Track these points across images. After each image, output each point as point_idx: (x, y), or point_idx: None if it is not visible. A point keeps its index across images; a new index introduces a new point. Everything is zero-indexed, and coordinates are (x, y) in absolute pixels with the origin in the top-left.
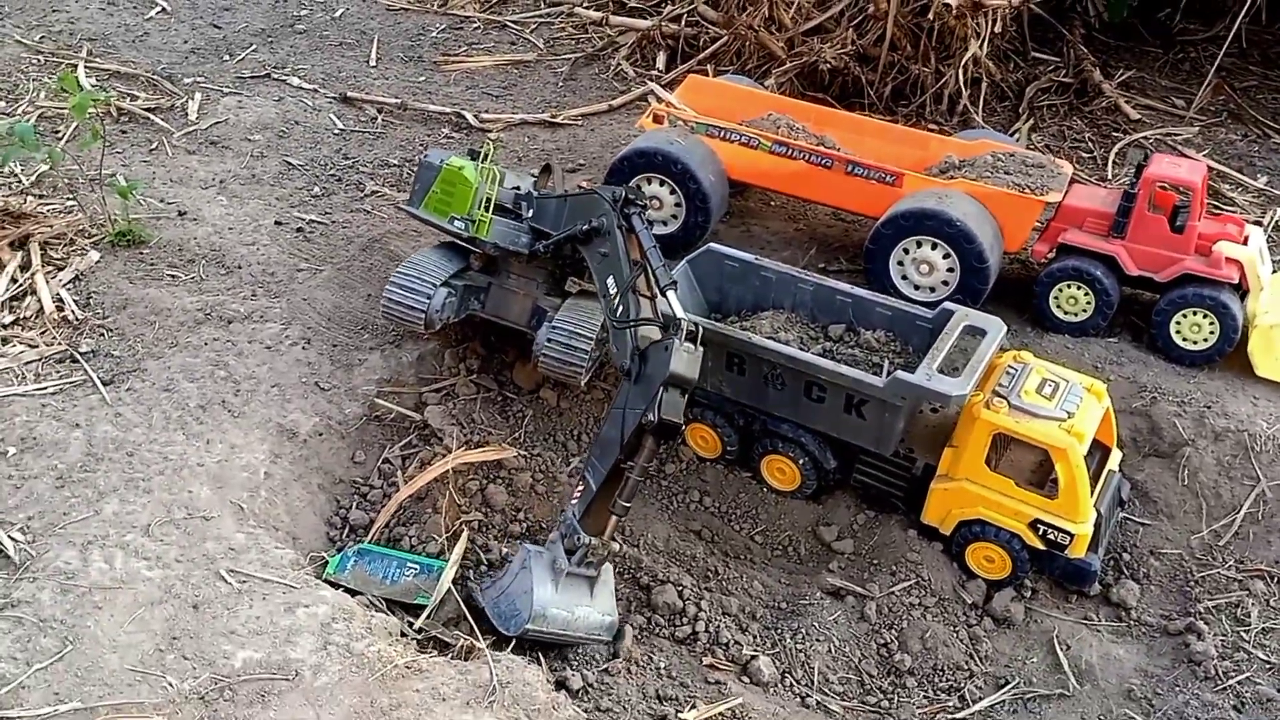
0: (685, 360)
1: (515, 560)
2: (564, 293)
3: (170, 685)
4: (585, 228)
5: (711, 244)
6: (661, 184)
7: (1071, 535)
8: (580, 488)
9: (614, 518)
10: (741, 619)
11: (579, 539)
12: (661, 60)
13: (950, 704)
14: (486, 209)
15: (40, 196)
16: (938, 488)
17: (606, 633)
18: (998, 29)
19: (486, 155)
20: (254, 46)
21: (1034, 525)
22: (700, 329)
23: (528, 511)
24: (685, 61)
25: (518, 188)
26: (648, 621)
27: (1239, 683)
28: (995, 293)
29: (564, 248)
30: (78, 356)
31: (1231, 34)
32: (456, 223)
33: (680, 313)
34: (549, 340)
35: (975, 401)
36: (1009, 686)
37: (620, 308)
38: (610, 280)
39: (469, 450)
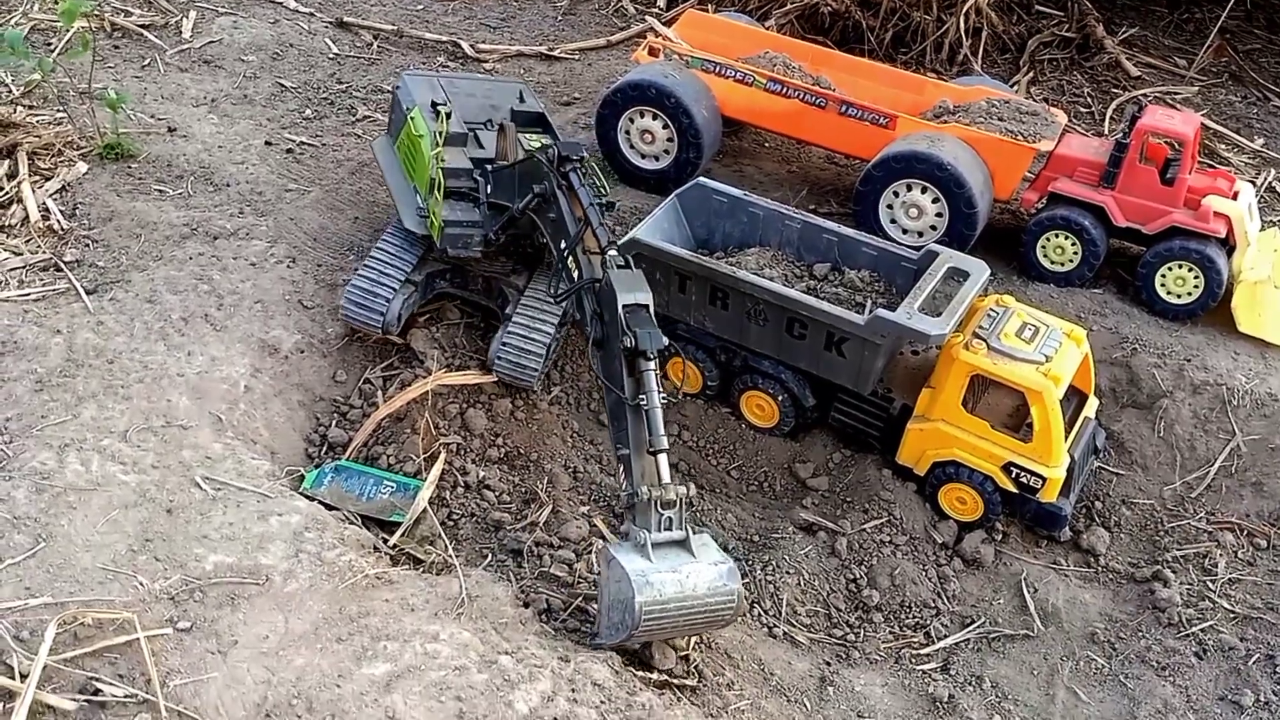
0: (627, 280)
1: (601, 574)
2: (529, 271)
3: (141, 585)
4: (534, 198)
5: (700, 178)
6: (655, 118)
7: (1044, 479)
8: (621, 467)
9: (661, 457)
10: None
11: (641, 497)
12: None
13: (915, 640)
14: (438, 192)
15: (30, 107)
16: (914, 428)
17: (731, 580)
18: None
19: (443, 129)
20: None
21: (1007, 468)
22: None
23: (506, 437)
24: (686, 0)
25: (477, 160)
26: None
27: (1202, 630)
28: (983, 240)
29: (520, 224)
30: (62, 265)
31: None
32: (413, 210)
33: (607, 248)
34: (503, 345)
35: (954, 343)
36: (974, 625)
37: (576, 270)
38: (562, 243)
39: (449, 373)
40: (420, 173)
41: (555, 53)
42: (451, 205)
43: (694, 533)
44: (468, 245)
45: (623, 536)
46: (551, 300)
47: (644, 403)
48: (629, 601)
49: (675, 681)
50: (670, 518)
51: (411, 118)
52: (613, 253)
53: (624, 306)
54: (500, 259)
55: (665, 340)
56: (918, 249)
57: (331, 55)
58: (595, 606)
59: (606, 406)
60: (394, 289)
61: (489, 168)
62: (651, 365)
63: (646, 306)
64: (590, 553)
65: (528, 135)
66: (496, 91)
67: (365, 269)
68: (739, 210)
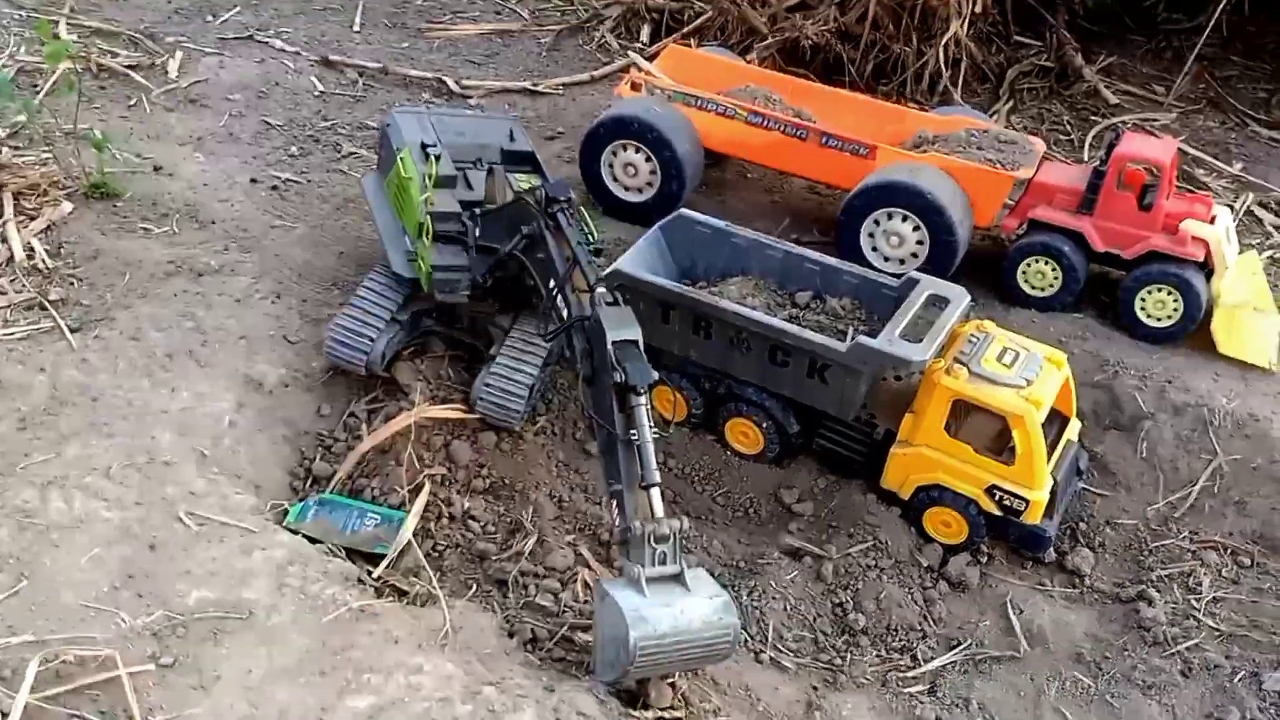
0: (615, 316)
1: (595, 610)
2: (515, 311)
3: (123, 621)
4: (522, 240)
5: (683, 209)
6: (637, 151)
7: (1027, 501)
8: (612, 503)
9: (653, 491)
10: None
11: (634, 531)
12: (646, 33)
13: (902, 663)
14: (426, 237)
15: (16, 148)
16: (897, 453)
17: (726, 614)
18: (979, 9)
19: (432, 172)
20: (237, 8)
21: (990, 491)
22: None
23: (491, 468)
24: (669, 35)
25: (467, 202)
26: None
27: (1187, 649)
28: (965, 267)
29: (508, 267)
30: (46, 304)
31: (1212, 23)
32: (401, 253)
33: (595, 285)
34: (486, 385)
35: (936, 368)
36: (961, 647)
37: (565, 309)
38: (551, 282)
39: (433, 405)
40: (409, 215)
41: (539, 88)
42: (440, 249)
43: (688, 566)
44: (455, 290)
45: (616, 572)
46: (537, 340)
47: (635, 438)
48: (624, 638)
49: (664, 713)
50: (664, 552)
51: (401, 159)
52: (601, 290)
53: (613, 343)
54: (487, 299)
55: (655, 375)
56: (899, 277)
57: (317, 93)
58: (590, 641)
59: (597, 442)
60: (379, 328)
61: (477, 211)
62: (642, 400)
63: (635, 342)
64: (575, 582)
65: (518, 176)
66: (486, 129)
67: (350, 308)
68: (721, 241)
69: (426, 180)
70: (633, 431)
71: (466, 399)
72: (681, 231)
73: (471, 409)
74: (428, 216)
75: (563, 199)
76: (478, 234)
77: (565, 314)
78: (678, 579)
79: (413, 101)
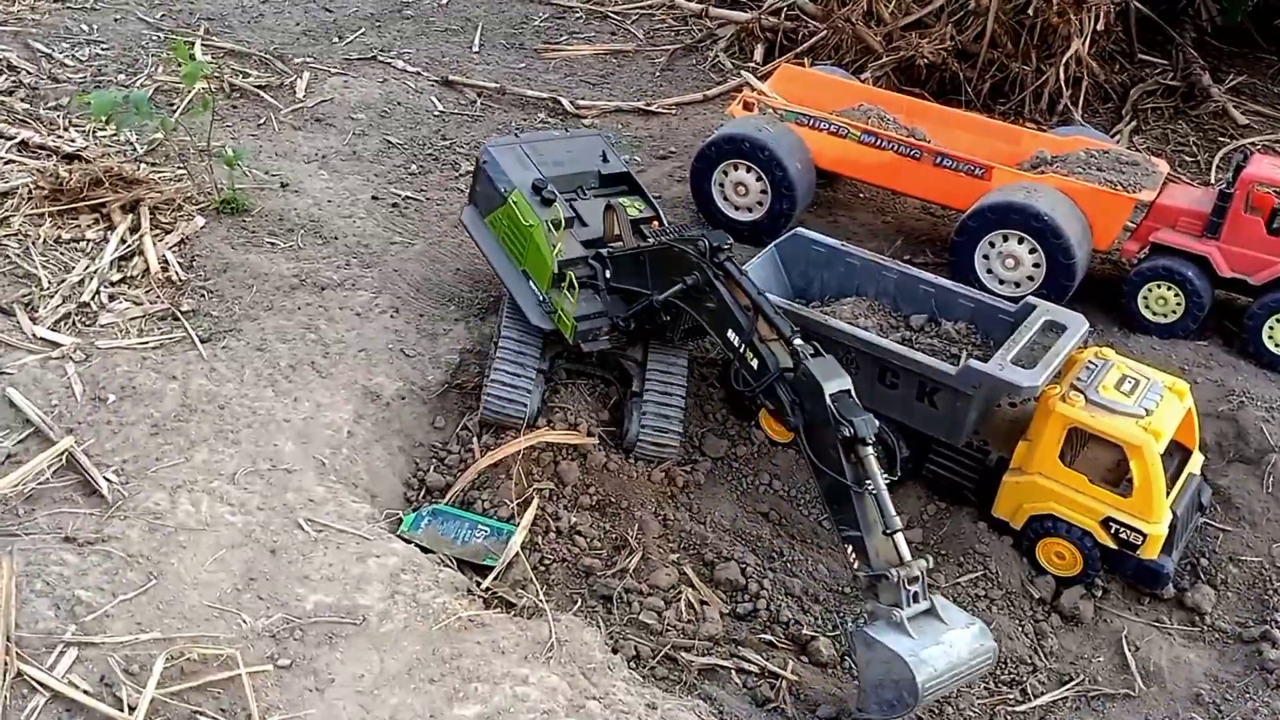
0: (824, 368)
1: (857, 658)
2: (645, 342)
3: (244, 622)
4: (683, 287)
5: (799, 228)
6: (748, 170)
7: (1144, 535)
8: (849, 548)
9: (898, 536)
10: (804, 600)
11: (887, 579)
12: (759, 53)
13: (1011, 697)
14: (570, 290)
15: (153, 164)
16: (1010, 481)
17: (985, 639)
18: (1101, 27)
19: (558, 218)
20: (362, 30)
21: (1106, 523)
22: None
23: (598, 486)
24: (783, 55)
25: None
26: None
27: None
28: (1083, 291)
29: (655, 308)
30: (179, 315)
31: None
32: (535, 305)
33: (792, 335)
34: (642, 428)
35: (1051, 394)
36: (1072, 683)
37: (755, 360)
38: (731, 334)
39: (550, 430)
40: (535, 263)
41: (652, 108)
42: (579, 313)
43: (934, 605)
44: (598, 338)
45: (869, 616)
46: (677, 372)
47: (871, 488)
48: (907, 682)
49: None
50: (916, 592)
51: (514, 202)
52: (799, 341)
53: (831, 396)
54: (618, 339)
55: (878, 424)
56: (1015, 300)
57: (437, 113)
58: (855, 685)
59: (821, 489)
60: (531, 381)
61: (605, 252)
62: (869, 450)
63: (849, 391)
64: (679, 601)
65: (621, 200)
66: (580, 153)
67: (500, 366)
68: (836, 260)
69: (551, 226)
70: (869, 482)
71: (574, 426)
72: (797, 250)
73: (629, 452)
74: (562, 266)
75: (727, 246)
76: (608, 275)
77: (757, 365)
78: (931, 612)
79: (529, 121)
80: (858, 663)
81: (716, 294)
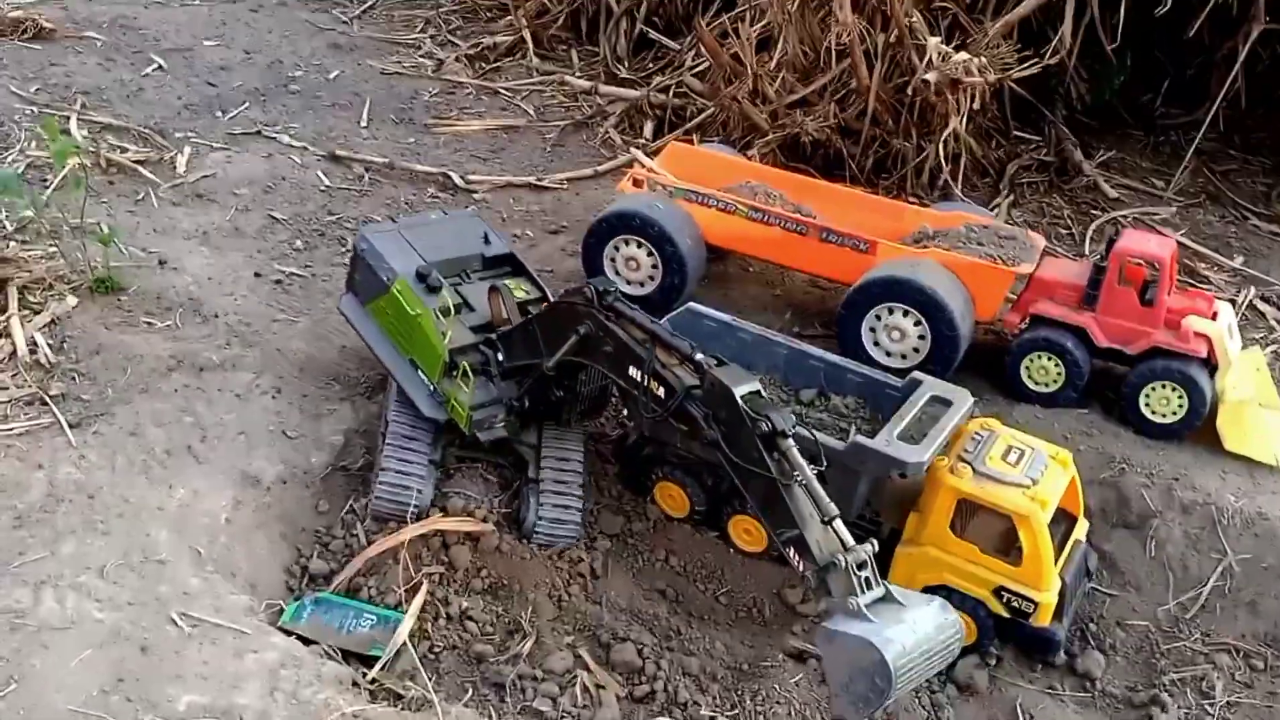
0: (732, 374)
1: (823, 656)
2: (538, 426)
3: None
4: (576, 340)
5: (691, 303)
6: (639, 246)
7: (1035, 603)
8: (790, 551)
9: (836, 523)
10: (702, 679)
11: (835, 566)
12: (649, 129)
13: None
14: (464, 379)
15: (23, 242)
16: (903, 552)
17: (947, 611)
18: (977, 106)
19: (446, 305)
20: (247, 104)
21: (998, 592)
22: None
23: (491, 569)
24: (672, 131)
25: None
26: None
27: None
28: (968, 361)
29: (548, 383)
30: (47, 399)
31: (1209, 118)
32: (425, 395)
33: (693, 351)
34: (539, 518)
35: (940, 466)
36: None
37: (661, 388)
38: (632, 370)
39: (444, 518)
40: (423, 352)
41: (544, 182)
42: (470, 387)
43: (890, 593)
44: (494, 426)
45: (824, 615)
46: (573, 455)
47: (800, 478)
48: (878, 664)
49: None
50: (867, 577)
51: (399, 291)
52: (700, 355)
53: (742, 397)
54: (514, 425)
55: (794, 417)
56: (903, 373)
57: (323, 188)
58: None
59: (751, 500)
60: (422, 475)
61: (495, 336)
62: (790, 442)
63: (759, 392)
64: (574, 685)
65: (507, 281)
66: (461, 235)
67: (389, 460)
68: (727, 335)
69: (439, 314)
70: (796, 473)
71: (468, 508)
72: (688, 325)
73: (528, 538)
74: (453, 354)
75: (612, 289)
76: (500, 359)
77: (664, 393)
78: (887, 599)
79: (418, 196)
80: (824, 665)
81: (612, 335)
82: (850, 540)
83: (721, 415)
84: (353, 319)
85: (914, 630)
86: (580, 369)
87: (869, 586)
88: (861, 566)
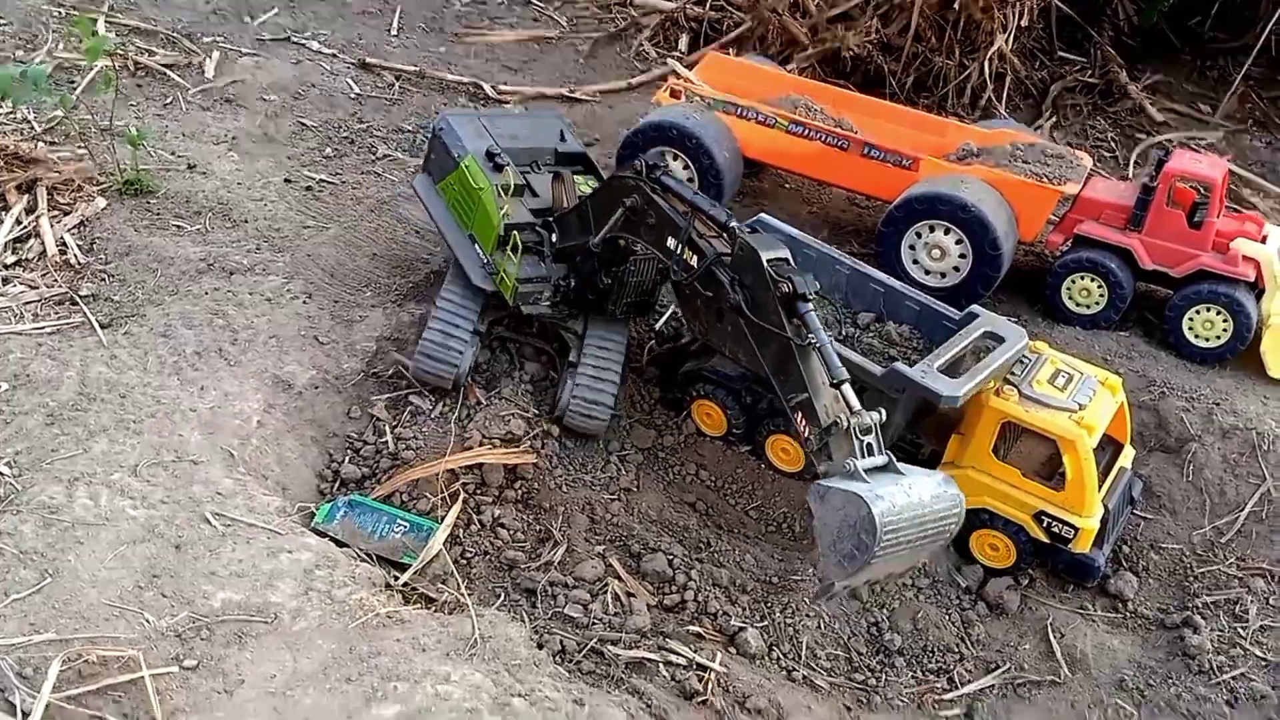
0: (762, 241)
1: (815, 514)
2: (586, 315)
3: (147, 622)
4: (623, 212)
5: (763, 215)
6: (675, 158)
7: (1076, 529)
8: (798, 416)
9: (845, 387)
10: (732, 591)
11: (837, 426)
12: (684, 42)
13: (939, 685)
14: (514, 252)
15: (51, 143)
16: None
17: (950, 485)
18: (1024, 23)
19: (508, 183)
20: (275, 10)
21: (1039, 517)
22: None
23: (523, 480)
24: (708, 44)
25: (535, 210)
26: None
27: (1233, 678)
28: (1008, 282)
29: (601, 258)
30: (77, 299)
31: (1260, 43)
32: (478, 266)
33: (728, 220)
34: (574, 398)
35: (985, 388)
36: (999, 671)
37: (694, 256)
38: (670, 240)
39: (491, 450)
40: (482, 226)
41: (576, 94)
42: (521, 261)
43: (893, 462)
44: (539, 301)
45: (821, 477)
46: (615, 346)
47: (814, 341)
48: (864, 519)
49: None
50: (870, 443)
51: (466, 166)
52: (735, 223)
53: (768, 261)
54: (564, 307)
55: (818, 284)
56: (942, 292)
57: (353, 95)
58: (815, 553)
59: (767, 364)
60: (465, 341)
61: (551, 219)
62: (810, 306)
63: (786, 259)
64: (605, 593)
65: (575, 178)
66: (538, 130)
67: (435, 323)
68: (793, 250)
69: (500, 191)
70: (811, 336)
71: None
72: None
73: (557, 421)
74: (508, 229)
75: (662, 164)
76: (553, 240)
77: (696, 261)
78: (888, 468)
79: (448, 105)
80: (814, 524)
81: (655, 208)
82: (857, 404)
83: (747, 280)
84: (423, 196)
85: (907, 493)
86: (625, 256)
87: (870, 453)
88: (866, 431)
